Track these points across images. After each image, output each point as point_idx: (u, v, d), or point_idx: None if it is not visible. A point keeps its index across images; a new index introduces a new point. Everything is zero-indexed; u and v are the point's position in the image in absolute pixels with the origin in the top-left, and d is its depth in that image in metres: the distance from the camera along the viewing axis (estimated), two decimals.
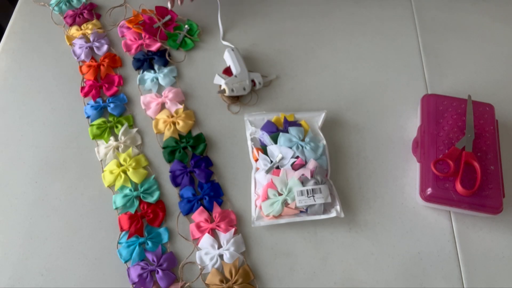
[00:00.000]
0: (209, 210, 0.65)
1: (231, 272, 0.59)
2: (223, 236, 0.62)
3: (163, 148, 0.70)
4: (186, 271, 0.60)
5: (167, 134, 0.71)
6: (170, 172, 0.68)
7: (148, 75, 0.77)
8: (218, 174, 0.69)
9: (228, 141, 0.71)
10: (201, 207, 0.64)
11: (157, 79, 0.77)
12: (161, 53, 0.80)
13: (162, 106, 0.74)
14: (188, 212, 0.65)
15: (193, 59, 0.80)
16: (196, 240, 0.63)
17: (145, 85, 0.77)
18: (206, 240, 0.62)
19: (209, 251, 0.61)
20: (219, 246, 0.62)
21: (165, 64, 0.79)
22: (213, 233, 0.63)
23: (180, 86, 0.77)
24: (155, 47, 0.80)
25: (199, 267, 0.60)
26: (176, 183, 0.67)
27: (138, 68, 0.79)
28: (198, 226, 0.63)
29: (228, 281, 0.59)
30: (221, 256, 0.61)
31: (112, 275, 0.60)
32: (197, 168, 0.67)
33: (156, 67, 0.78)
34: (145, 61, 0.79)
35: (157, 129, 0.72)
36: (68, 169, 0.68)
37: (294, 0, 0.88)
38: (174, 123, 0.72)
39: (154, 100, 0.74)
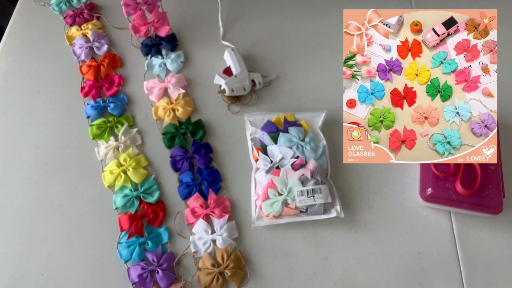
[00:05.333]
0: (206, 196, 0.65)
1: (223, 257, 0.60)
2: (217, 222, 0.63)
3: (163, 134, 0.71)
4: (183, 268, 0.61)
5: (167, 120, 0.72)
6: (171, 157, 0.69)
7: (156, 61, 0.79)
8: (217, 161, 0.69)
9: (228, 138, 0.72)
10: (197, 193, 0.65)
11: (165, 64, 0.78)
12: (169, 38, 0.81)
13: (165, 92, 0.75)
14: (186, 196, 0.66)
15: (193, 58, 0.80)
16: (191, 225, 0.64)
17: (153, 71, 0.78)
18: (200, 225, 0.63)
19: (202, 236, 0.62)
20: (213, 232, 0.63)
21: (173, 49, 0.80)
22: (208, 218, 0.64)
23: (184, 73, 0.78)
24: (164, 31, 0.80)
25: (192, 251, 0.61)
26: (176, 168, 0.68)
27: (146, 54, 0.80)
28: (193, 212, 0.64)
29: (220, 266, 0.60)
30: (214, 241, 0.62)
31: (112, 275, 0.60)
32: (197, 154, 0.68)
33: (164, 52, 0.80)
34: (153, 47, 0.80)
35: (157, 115, 0.73)
36: (68, 169, 0.68)
37: (294, 0, 0.88)
38: (173, 110, 0.73)
39: (157, 85, 0.75)
